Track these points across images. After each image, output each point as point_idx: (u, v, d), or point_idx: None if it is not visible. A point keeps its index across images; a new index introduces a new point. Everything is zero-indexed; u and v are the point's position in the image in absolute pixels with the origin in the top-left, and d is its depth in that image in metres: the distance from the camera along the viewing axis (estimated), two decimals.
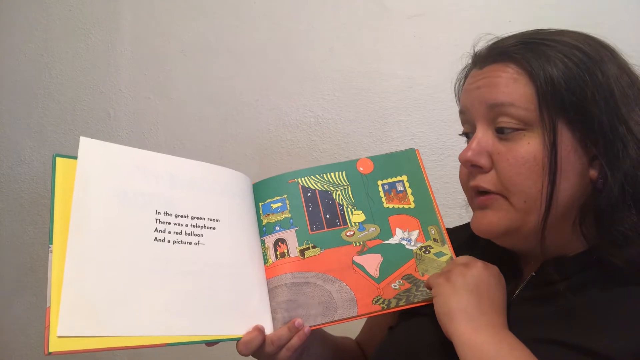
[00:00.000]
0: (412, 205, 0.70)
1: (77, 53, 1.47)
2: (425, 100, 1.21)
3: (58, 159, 0.58)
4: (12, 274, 1.47)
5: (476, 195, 0.63)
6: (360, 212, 0.69)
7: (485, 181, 0.61)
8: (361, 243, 0.67)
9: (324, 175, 0.70)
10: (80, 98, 1.46)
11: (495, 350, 0.53)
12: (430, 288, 0.62)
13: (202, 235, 0.62)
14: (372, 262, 0.66)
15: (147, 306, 0.55)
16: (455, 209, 1.14)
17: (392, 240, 0.68)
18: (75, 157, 0.59)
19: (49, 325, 0.50)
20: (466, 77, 0.68)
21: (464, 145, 0.67)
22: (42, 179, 1.45)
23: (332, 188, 0.70)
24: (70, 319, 0.51)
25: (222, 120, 1.36)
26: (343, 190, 0.70)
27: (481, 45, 0.68)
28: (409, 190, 0.70)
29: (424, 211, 0.69)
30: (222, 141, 1.35)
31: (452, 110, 1.22)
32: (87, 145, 0.60)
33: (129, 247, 0.57)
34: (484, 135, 0.62)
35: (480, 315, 0.56)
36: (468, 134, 0.66)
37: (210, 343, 0.59)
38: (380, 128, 1.24)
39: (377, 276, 0.65)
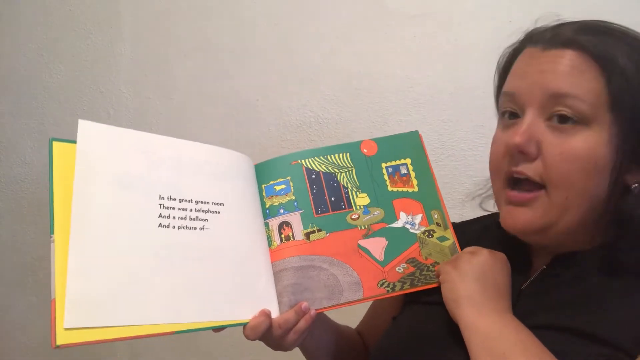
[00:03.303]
0: (416, 189, 0.69)
1: (77, 53, 1.47)
2: (425, 100, 1.21)
3: (55, 143, 0.55)
4: (12, 274, 1.47)
5: (510, 186, 0.61)
6: (365, 195, 0.69)
7: (530, 170, 0.58)
8: (366, 226, 0.67)
9: (328, 156, 0.70)
10: (80, 98, 1.46)
11: (499, 332, 0.54)
12: (438, 276, 0.63)
13: (206, 220, 0.61)
14: (377, 246, 0.66)
15: (154, 294, 0.54)
16: (455, 209, 1.14)
17: (397, 224, 0.68)
18: (73, 141, 0.56)
19: (55, 318, 0.49)
20: (516, 54, 0.64)
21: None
22: (43, 179, 1.44)
23: (336, 170, 0.69)
24: (77, 310, 0.49)
25: (222, 120, 1.35)
26: (348, 173, 0.69)
27: (541, 23, 0.64)
28: (412, 174, 0.70)
29: (428, 195, 0.69)
30: (222, 141, 1.35)
31: (452, 110, 1.23)
32: (86, 129, 0.57)
33: (133, 234, 0.55)
34: (534, 121, 0.58)
35: (486, 301, 0.57)
36: (512, 113, 0.62)
37: (218, 329, 0.59)
38: (380, 128, 1.24)
39: (382, 260, 0.66)
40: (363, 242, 0.66)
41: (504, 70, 0.66)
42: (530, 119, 0.58)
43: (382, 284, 0.64)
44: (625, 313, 0.55)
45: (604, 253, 0.59)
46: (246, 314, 0.60)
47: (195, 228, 0.59)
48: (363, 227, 0.67)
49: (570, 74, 0.57)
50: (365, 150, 0.71)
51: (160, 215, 0.58)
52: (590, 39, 0.57)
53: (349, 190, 0.69)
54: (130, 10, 1.43)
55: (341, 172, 0.69)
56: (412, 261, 0.66)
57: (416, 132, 0.72)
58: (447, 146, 1.19)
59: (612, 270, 0.59)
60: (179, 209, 0.59)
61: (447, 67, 1.20)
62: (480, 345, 0.54)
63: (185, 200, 0.60)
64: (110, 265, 0.53)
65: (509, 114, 0.62)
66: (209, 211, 0.61)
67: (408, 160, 0.70)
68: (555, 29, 0.61)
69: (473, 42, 1.18)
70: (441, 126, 1.20)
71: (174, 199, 0.59)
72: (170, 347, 1.35)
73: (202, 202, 0.61)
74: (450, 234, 0.67)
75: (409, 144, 0.71)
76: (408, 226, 0.68)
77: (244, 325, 0.59)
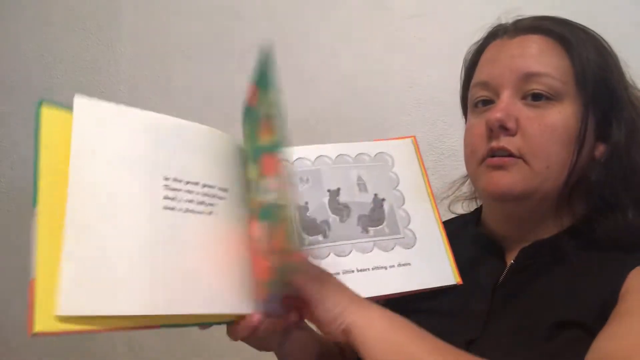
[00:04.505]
0: (276, 137, 0.52)
1: (77, 53, 1.47)
2: (425, 100, 1.21)
3: (45, 109, 0.49)
4: (12, 274, 1.47)
5: (491, 157, 0.63)
6: (254, 166, 0.58)
7: (510, 143, 0.61)
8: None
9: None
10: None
11: (383, 328, 0.50)
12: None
13: (213, 204, 0.55)
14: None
15: (151, 282, 0.49)
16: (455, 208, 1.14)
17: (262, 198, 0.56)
18: (67, 108, 0.51)
19: (34, 301, 0.42)
20: (482, 50, 0.69)
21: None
22: None
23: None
24: (73, 296, 0.44)
25: (222, 120, 1.35)
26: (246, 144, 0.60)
27: (504, 19, 0.70)
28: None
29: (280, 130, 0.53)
30: None
31: (452, 110, 1.22)
32: (83, 106, 0.51)
33: (135, 217, 0.50)
34: (510, 101, 0.62)
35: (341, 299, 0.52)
36: (486, 101, 0.65)
37: (204, 326, 0.54)
38: (380, 128, 1.24)
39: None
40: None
41: (471, 67, 0.71)
42: (507, 99, 0.62)
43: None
44: (588, 290, 0.57)
45: (573, 233, 0.62)
46: (246, 307, 0.54)
47: (202, 212, 0.54)
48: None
49: (539, 55, 0.62)
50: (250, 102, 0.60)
51: (165, 197, 0.52)
52: (551, 24, 0.64)
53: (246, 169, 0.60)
54: (130, 10, 1.43)
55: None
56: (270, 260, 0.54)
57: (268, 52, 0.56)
58: (447, 146, 1.19)
59: (577, 251, 0.60)
60: (186, 191, 0.54)
61: (447, 67, 1.20)
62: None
63: (192, 183, 0.55)
64: (109, 249, 0.48)
65: (483, 102, 0.65)
66: (215, 196, 0.56)
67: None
68: (517, 22, 0.67)
69: (473, 42, 1.18)
70: (441, 126, 1.20)
71: (180, 181, 0.54)
72: (167, 346, 1.35)
73: (208, 186, 0.56)
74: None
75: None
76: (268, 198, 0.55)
77: (231, 323, 0.54)
